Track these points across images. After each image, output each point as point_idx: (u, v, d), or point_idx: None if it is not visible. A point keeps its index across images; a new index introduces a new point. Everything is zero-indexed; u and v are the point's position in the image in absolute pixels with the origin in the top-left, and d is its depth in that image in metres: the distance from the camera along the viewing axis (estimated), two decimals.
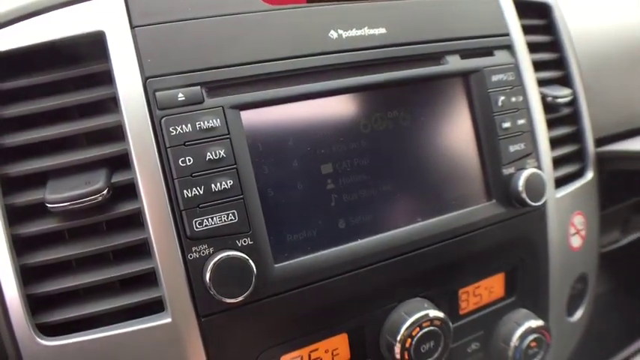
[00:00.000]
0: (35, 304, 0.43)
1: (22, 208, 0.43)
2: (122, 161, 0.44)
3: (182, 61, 0.45)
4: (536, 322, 0.59)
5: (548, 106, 0.64)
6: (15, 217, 0.43)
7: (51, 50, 0.44)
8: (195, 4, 0.46)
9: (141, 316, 0.44)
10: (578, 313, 0.71)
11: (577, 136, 0.69)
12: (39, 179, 0.44)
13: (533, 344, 0.59)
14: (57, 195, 0.42)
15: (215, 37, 0.46)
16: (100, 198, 0.42)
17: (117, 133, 0.45)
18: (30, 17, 0.44)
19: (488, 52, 0.58)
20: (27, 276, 0.42)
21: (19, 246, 0.43)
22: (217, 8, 0.47)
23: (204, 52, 0.46)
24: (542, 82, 0.64)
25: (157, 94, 0.44)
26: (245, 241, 0.45)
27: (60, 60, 0.45)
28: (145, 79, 0.44)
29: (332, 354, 0.52)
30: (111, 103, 0.45)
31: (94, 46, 0.45)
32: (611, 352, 0.91)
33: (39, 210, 0.43)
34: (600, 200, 0.71)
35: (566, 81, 0.69)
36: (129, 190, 0.44)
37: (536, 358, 0.59)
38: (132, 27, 0.44)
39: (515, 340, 0.58)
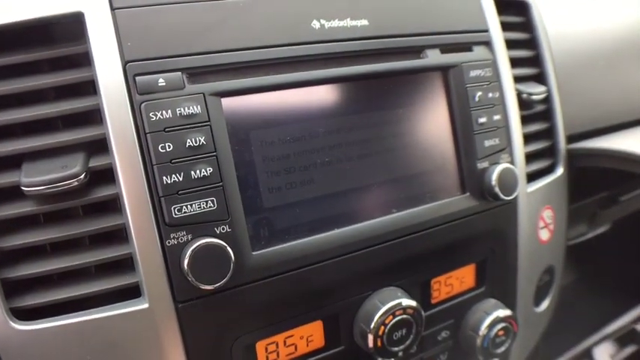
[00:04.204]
0: (9, 289, 0.42)
1: None
2: (100, 145, 0.44)
3: (163, 46, 0.44)
4: (504, 312, 0.61)
5: (523, 103, 0.65)
6: None
7: (28, 30, 0.43)
8: None
9: (118, 301, 0.44)
10: (545, 304, 0.74)
11: (549, 133, 0.71)
12: (14, 162, 0.43)
13: (500, 333, 0.61)
14: (32, 178, 0.41)
15: (197, 22, 0.46)
16: (77, 182, 0.42)
17: (95, 117, 0.44)
18: None
19: (467, 47, 0.59)
20: (1, 260, 0.42)
21: None
22: None
23: (186, 37, 0.45)
24: (518, 79, 0.65)
25: (137, 78, 0.43)
26: (223, 229, 0.45)
27: (37, 40, 0.44)
28: (125, 63, 0.43)
29: (307, 340, 0.53)
30: (88, 86, 0.44)
31: (72, 27, 0.44)
32: (574, 341, 0.94)
33: (14, 193, 0.42)
34: (569, 195, 0.73)
35: (541, 78, 0.70)
36: (107, 175, 0.44)
37: (504, 347, 0.61)
38: (112, 9, 0.44)
39: (483, 328, 0.60)
